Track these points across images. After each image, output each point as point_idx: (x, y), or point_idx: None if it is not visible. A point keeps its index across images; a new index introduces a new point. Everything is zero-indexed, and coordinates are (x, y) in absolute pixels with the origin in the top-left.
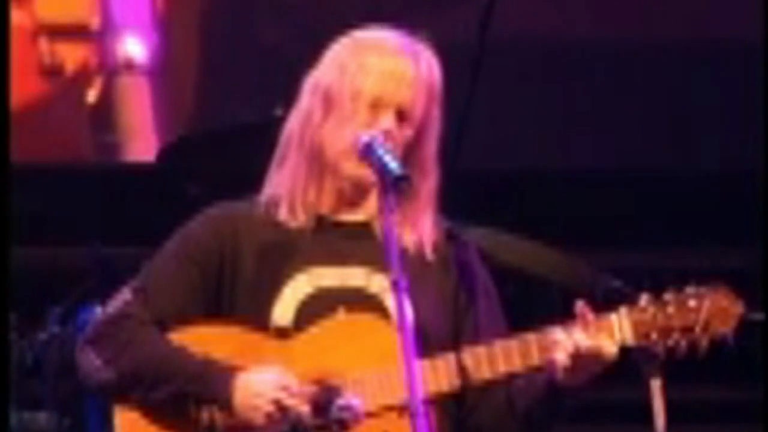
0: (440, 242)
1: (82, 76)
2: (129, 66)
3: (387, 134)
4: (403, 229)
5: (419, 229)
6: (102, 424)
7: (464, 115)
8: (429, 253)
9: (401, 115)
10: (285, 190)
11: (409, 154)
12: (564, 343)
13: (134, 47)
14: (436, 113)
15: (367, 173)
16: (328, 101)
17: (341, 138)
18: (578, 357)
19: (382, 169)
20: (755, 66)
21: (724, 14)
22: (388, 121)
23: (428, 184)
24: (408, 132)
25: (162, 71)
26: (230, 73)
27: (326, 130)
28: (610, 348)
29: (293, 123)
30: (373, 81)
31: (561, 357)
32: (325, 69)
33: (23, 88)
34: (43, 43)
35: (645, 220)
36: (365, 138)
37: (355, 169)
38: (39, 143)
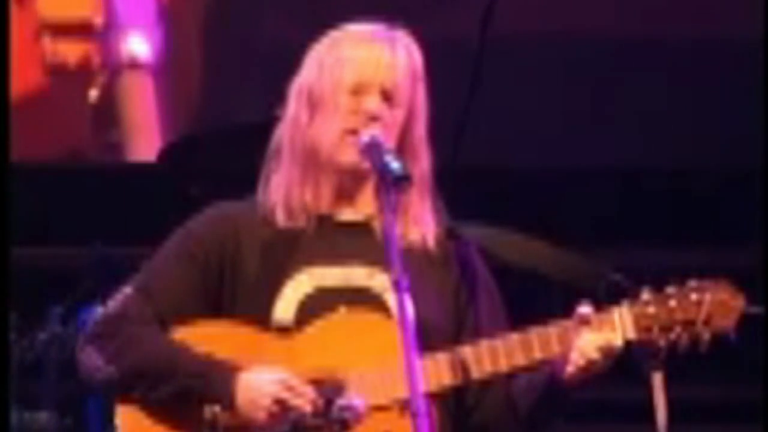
0: (442, 238)
1: (86, 75)
2: (133, 64)
3: (376, 117)
4: (403, 223)
5: (420, 222)
6: (103, 424)
7: (465, 112)
8: (431, 248)
9: (388, 98)
10: (280, 197)
11: (400, 139)
12: (575, 340)
13: (138, 46)
14: (421, 95)
15: (364, 162)
16: (311, 101)
17: (331, 131)
18: (590, 353)
19: (383, 169)
20: (755, 66)
21: (725, 14)
22: (372, 102)
23: (420, 167)
24: (399, 114)
25: (166, 70)
26: (235, 71)
27: (315, 129)
28: (617, 341)
29: (281, 130)
30: (350, 69)
31: (574, 355)
32: (306, 71)
33: (27, 86)
34: (47, 42)
35: (645, 218)
36: (366, 138)
37: (352, 158)
38: (42, 142)
